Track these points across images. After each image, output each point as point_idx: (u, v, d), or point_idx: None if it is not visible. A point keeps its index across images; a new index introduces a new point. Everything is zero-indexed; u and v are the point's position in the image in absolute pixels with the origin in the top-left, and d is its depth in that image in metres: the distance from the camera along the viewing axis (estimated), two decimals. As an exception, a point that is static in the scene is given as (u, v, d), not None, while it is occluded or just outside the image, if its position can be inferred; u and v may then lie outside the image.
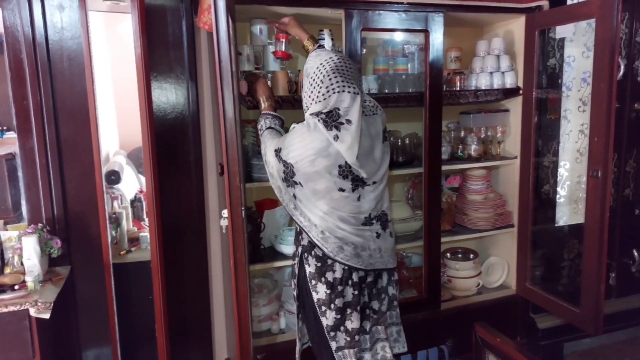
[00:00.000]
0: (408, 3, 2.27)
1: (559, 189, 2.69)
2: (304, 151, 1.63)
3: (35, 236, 2.16)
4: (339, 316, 1.71)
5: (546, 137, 2.64)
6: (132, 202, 2.88)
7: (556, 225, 2.72)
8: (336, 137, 1.59)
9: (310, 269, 1.75)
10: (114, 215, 2.56)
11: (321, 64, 1.66)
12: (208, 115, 2.52)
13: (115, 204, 2.71)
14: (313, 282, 1.74)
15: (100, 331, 2.41)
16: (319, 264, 1.73)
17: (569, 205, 2.72)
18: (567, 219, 2.73)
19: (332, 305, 1.72)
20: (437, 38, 2.37)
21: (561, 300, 2.49)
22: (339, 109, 1.59)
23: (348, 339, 1.73)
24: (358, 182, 1.68)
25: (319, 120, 1.60)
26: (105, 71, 2.58)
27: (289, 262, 2.37)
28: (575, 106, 2.63)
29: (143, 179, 2.97)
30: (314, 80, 1.65)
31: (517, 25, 2.61)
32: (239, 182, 1.70)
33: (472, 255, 2.79)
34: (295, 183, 1.70)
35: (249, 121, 2.50)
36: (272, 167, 1.77)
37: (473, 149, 2.68)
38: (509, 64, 2.61)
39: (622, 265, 2.89)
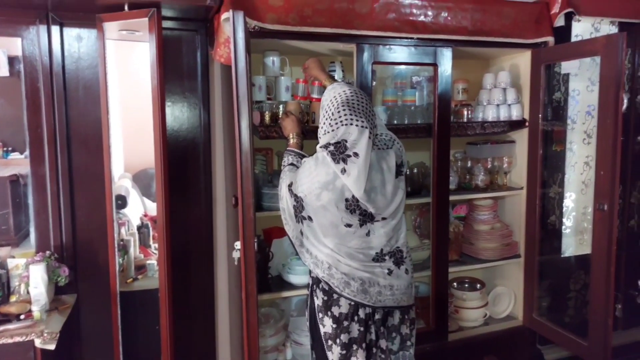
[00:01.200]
0: (418, 38, 2.32)
1: (564, 220, 2.71)
2: (310, 184, 1.65)
3: (43, 264, 2.15)
4: (344, 352, 1.69)
5: (552, 169, 2.67)
6: (139, 228, 2.88)
7: (562, 256, 2.73)
8: (343, 170, 1.60)
9: (318, 301, 1.74)
10: (121, 243, 2.55)
11: (334, 96, 1.70)
12: (219, 144, 2.55)
13: (123, 230, 2.71)
14: (320, 315, 1.73)
15: (105, 361, 2.38)
16: (325, 298, 1.72)
17: (575, 236, 2.73)
18: (573, 250, 2.74)
19: (338, 340, 1.70)
20: (445, 71, 2.41)
21: (568, 333, 2.49)
22: (346, 141, 1.60)
23: None
24: (366, 217, 1.68)
25: (327, 154, 1.63)
26: (113, 94, 2.61)
27: (296, 292, 2.36)
28: (580, 138, 2.67)
29: (148, 202, 2.97)
30: (326, 112, 1.69)
31: (523, 59, 2.67)
32: (252, 214, 1.71)
33: (479, 285, 2.79)
34: (304, 218, 1.71)
35: (259, 149, 2.52)
36: (285, 201, 1.78)
37: (480, 179, 2.71)
38: (515, 97, 2.66)
39: (628, 297, 2.89)
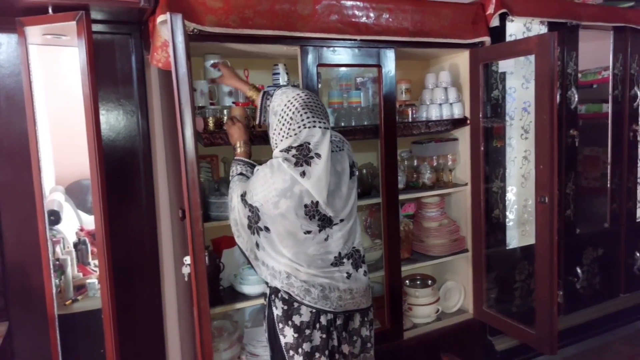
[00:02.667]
0: (361, 40, 2.32)
1: (507, 213, 2.81)
2: (267, 193, 1.60)
3: (-32, 292, 1.97)
4: None
5: (493, 164, 2.76)
6: (76, 245, 2.69)
7: (507, 248, 2.83)
8: (303, 174, 1.57)
9: (277, 311, 1.69)
10: (57, 262, 2.37)
11: (289, 100, 1.65)
12: (160, 152, 2.43)
13: (58, 248, 2.52)
14: (280, 325, 1.68)
15: (44, 392, 2.21)
16: (285, 307, 1.68)
17: (518, 228, 2.84)
18: (517, 242, 2.85)
19: (300, 350, 1.66)
20: (389, 72, 2.43)
21: (516, 322, 2.58)
22: (309, 143, 1.58)
23: None
24: (325, 222, 1.66)
25: (283, 160, 1.58)
26: (40, 103, 2.43)
27: (250, 303, 2.29)
28: (518, 134, 2.78)
29: (84, 215, 2.78)
30: (282, 117, 1.64)
31: (462, 59, 2.74)
32: (201, 227, 1.63)
33: (430, 282, 2.84)
34: (260, 229, 1.66)
35: (204, 156, 2.43)
36: (236, 212, 1.72)
37: (427, 177, 2.75)
38: (456, 96, 2.72)
39: (568, 283, 3.05)
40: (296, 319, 1.67)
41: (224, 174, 2.52)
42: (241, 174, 1.82)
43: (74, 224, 2.76)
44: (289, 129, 1.61)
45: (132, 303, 2.39)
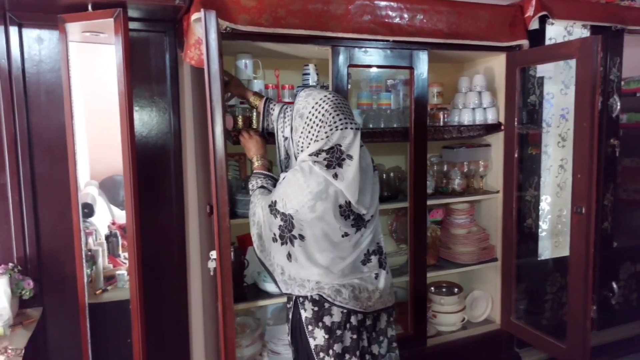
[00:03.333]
0: (394, 41, 2.29)
1: (540, 223, 2.72)
2: (302, 198, 1.57)
3: (6, 277, 2.05)
4: None
5: (527, 172, 2.68)
6: (107, 237, 2.77)
7: (539, 259, 2.74)
8: (335, 176, 1.56)
9: (306, 313, 1.67)
10: (89, 253, 2.45)
11: (317, 102, 1.64)
12: (190, 150, 2.47)
13: (90, 240, 2.60)
14: (310, 327, 1.66)
15: (73, 378, 2.28)
16: (315, 308, 1.66)
17: (551, 239, 2.75)
18: (549, 253, 2.76)
19: (331, 352, 1.64)
20: (421, 74, 2.39)
21: (546, 335, 2.49)
22: (340, 146, 1.57)
23: None
24: (359, 222, 1.64)
25: (314, 163, 1.57)
26: (78, 99, 2.51)
27: (273, 301, 2.30)
28: (554, 142, 2.68)
29: (116, 210, 2.87)
30: (310, 120, 1.63)
31: (497, 62, 2.67)
32: (228, 223, 1.64)
33: (456, 290, 2.78)
34: (294, 237, 1.62)
35: (232, 155, 2.45)
36: (262, 226, 1.69)
37: (457, 183, 2.70)
38: (491, 100, 2.66)
39: (602, 298, 2.93)
40: (327, 320, 1.65)
41: (250, 172, 2.54)
42: (262, 187, 1.80)
43: (107, 217, 2.84)
44: (318, 131, 1.60)
45: (159, 295, 2.44)
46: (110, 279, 2.52)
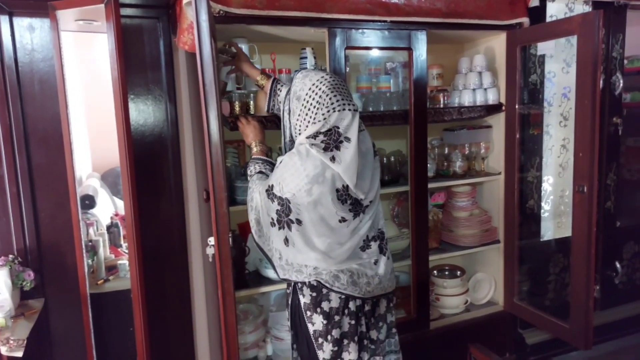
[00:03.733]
0: (391, 21, 2.25)
1: (543, 204, 2.70)
2: (298, 181, 1.54)
3: (6, 269, 2.05)
4: (335, 348, 1.64)
5: (529, 153, 2.65)
6: (109, 227, 2.77)
7: (541, 240, 2.73)
8: (332, 159, 1.53)
9: (305, 299, 1.66)
10: (90, 243, 2.45)
11: (313, 84, 1.60)
12: (188, 137, 2.45)
13: (91, 230, 2.60)
14: (308, 313, 1.66)
15: (77, 367, 2.29)
16: (313, 294, 1.65)
17: (553, 220, 2.73)
18: (552, 234, 2.74)
19: (329, 337, 1.64)
20: (420, 55, 2.36)
21: (549, 316, 2.49)
22: (338, 127, 1.54)
23: None
24: (357, 207, 1.61)
25: (311, 146, 1.54)
26: (76, 91, 2.49)
27: (275, 287, 2.30)
28: (556, 121, 2.65)
29: (119, 201, 2.87)
30: (307, 102, 1.60)
31: (498, 42, 2.63)
32: (225, 209, 1.63)
33: (459, 272, 2.77)
34: (291, 222, 1.60)
35: (231, 142, 2.43)
36: (259, 211, 1.68)
37: (458, 165, 2.67)
38: (491, 81, 2.62)
39: (606, 278, 2.92)
40: (325, 306, 1.64)
41: (250, 159, 2.52)
42: (260, 172, 1.78)
43: (109, 209, 2.85)
44: (315, 113, 1.58)
45: (162, 284, 2.44)
46: (112, 269, 2.53)
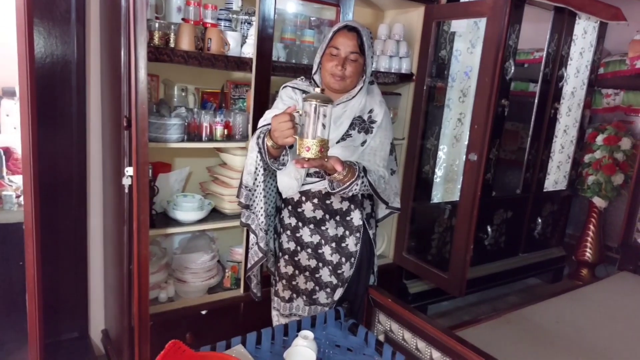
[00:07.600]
0: (324, -25, 2.27)
1: (436, 170, 2.98)
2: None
3: None
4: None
5: (430, 123, 2.89)
6: (-12, 156, 2.48)
7: (431, 202, 3.02)
8: None
9: (372, 230, 1.88)
10: (-31, 171, 2.18)
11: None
12: (95, 63, 2.26)
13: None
14: (376, 240, 1.94)
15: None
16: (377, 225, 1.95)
17: (444, 185, 3.04)
18: (441, 197, 3.05)
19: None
20: (347, 14, 2.42)
21: (432, 267, 2.80)
22: None
23: None
24: None
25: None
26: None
27: (182, 229, 2.27)
28: (456, 97, 2.92)
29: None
30: None
31: (416, 14, 2.78)
32: (147, 138, 1.57)
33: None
34: None
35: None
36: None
37: (367, 127, 2.81)
38: (407, 51, 2.78)
39: (477, 239, 3.33)
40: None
41: (163, 96, 2.41)
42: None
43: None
44: None
45: (55, 218, 2.26)
46: (-7, 200, 2.29)
